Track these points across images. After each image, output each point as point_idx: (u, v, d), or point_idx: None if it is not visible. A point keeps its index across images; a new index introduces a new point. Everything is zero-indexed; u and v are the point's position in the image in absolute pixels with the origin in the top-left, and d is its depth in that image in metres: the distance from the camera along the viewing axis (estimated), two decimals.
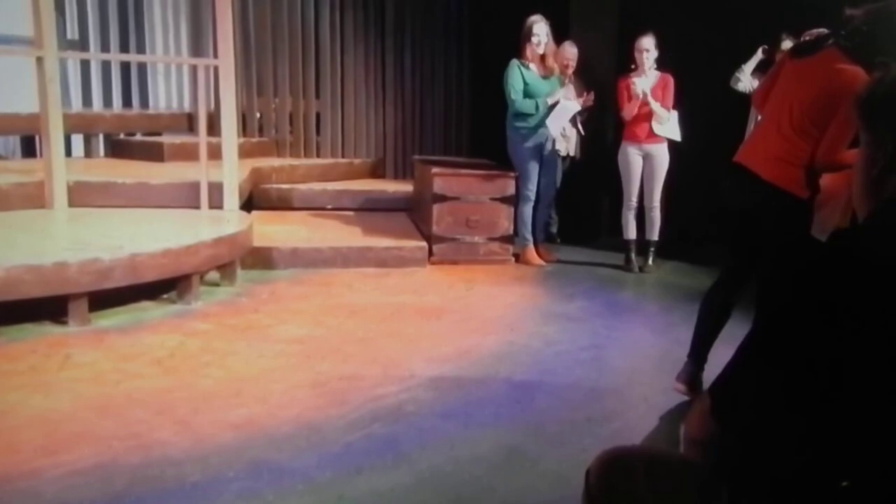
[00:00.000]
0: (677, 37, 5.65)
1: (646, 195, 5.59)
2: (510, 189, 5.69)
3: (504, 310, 4.50)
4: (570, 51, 5.99)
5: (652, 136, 5.48)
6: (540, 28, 5.53)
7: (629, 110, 5.45)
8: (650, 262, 5.64)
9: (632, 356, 3.86)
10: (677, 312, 4.48)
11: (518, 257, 5.75)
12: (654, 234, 5.65)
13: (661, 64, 5.52)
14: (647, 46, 5.40)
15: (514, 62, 5.58)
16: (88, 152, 6.91)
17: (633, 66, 5.52)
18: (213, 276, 4.67)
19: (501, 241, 5.72)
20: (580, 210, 6.60)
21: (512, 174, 5.69)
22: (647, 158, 5.54)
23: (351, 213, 6.49)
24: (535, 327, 4.17)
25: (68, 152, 6.19)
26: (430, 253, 5.53)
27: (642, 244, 5.67)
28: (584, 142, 6.35)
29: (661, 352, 3.84)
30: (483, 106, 7.67)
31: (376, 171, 7.61)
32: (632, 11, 6.37)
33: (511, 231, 5.72)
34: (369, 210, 6.57)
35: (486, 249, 5.69)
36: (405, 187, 6.91)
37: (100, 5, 7.35)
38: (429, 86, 7.77)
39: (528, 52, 5.58)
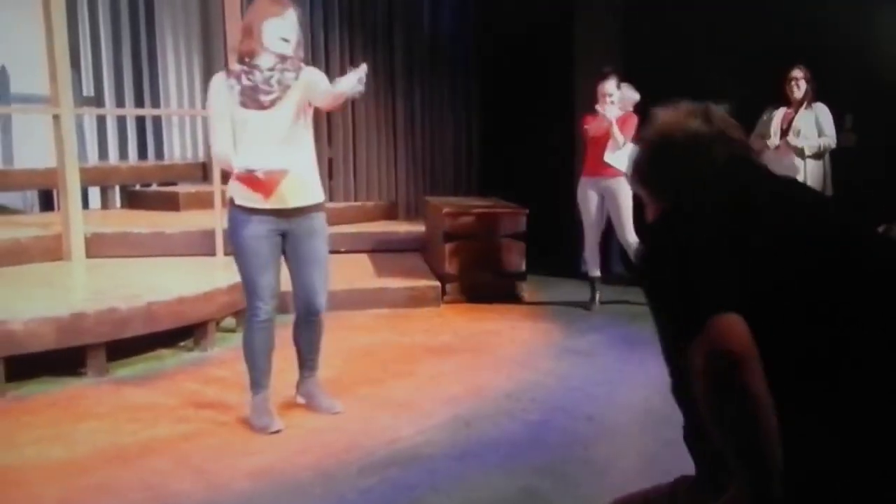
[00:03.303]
0: (679, 74, 5.69)
1: (617, 231, 5.41)
2: (521, 226, 5.72)
3: (517, 347, 4.51)
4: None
5: (607, 168, 5.27)
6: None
7: (595, 127, 5.27)
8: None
9: (645, 391, 3.82)
10: None
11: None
12: None
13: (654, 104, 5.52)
14: (610, 91, 5.26)
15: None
16: (105, 204, 7.02)
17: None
18: (230, 322, 4.71)
19: (513, 279, 5.74)
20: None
21: (524, 211, 5.74)
22: (605, 193, 5.34)
23: (364, 254, 6.53)
24: (548, 364, 4.17)
25: (85, 205, 6.33)
26: (444, 292, 5.55)
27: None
28: None
29: None
30: (493, 144, 7.76)
31: (389, 213, 7.66)
32: (634, 49, 6.45)
33: (522, 268, 5.74)
34: (382, 251, 6.62)
35: (499, 287, 5.71)
36: (418, 228, 6.95)
37: (115, 61, 7.52)
38: (438, 126, 7.86)
39: None
